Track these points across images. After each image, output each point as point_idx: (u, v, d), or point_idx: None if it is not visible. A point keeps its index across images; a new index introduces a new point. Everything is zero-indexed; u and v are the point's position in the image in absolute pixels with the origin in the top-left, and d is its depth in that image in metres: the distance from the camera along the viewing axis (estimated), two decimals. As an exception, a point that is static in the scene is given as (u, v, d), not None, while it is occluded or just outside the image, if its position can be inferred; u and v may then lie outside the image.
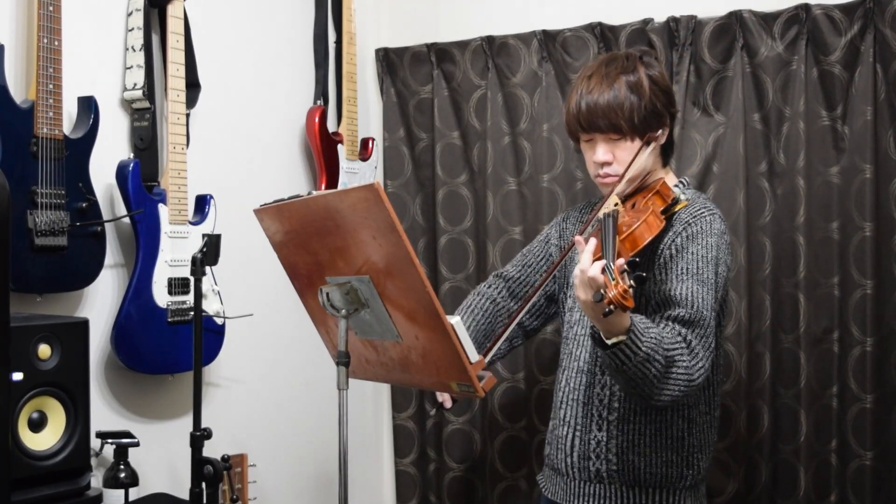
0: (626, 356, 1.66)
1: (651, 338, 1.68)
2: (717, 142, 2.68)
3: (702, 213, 1.90)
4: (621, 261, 1.60)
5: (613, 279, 1.56)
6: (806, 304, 2.56)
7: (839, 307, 2.56)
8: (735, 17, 2.62)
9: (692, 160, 2.68)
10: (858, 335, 2.51)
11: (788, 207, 2.60)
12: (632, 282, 1.57)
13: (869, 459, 2.49)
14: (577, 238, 1.72)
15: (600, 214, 1.78)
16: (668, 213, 1.85)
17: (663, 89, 1.93)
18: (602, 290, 1.56)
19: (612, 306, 1.55)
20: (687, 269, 1.84)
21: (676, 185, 1.96)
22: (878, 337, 2.50)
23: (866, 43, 2.49)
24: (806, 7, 2.54)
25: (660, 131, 1.93)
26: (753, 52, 2.62)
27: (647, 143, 1.91)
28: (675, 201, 1.85)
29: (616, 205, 1.82)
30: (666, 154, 2.02)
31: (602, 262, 1.61)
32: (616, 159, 1.91)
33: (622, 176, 1.89)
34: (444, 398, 2.04)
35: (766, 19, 2.60)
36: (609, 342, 1.67)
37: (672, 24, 2.68)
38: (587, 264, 1.64)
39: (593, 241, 1.68)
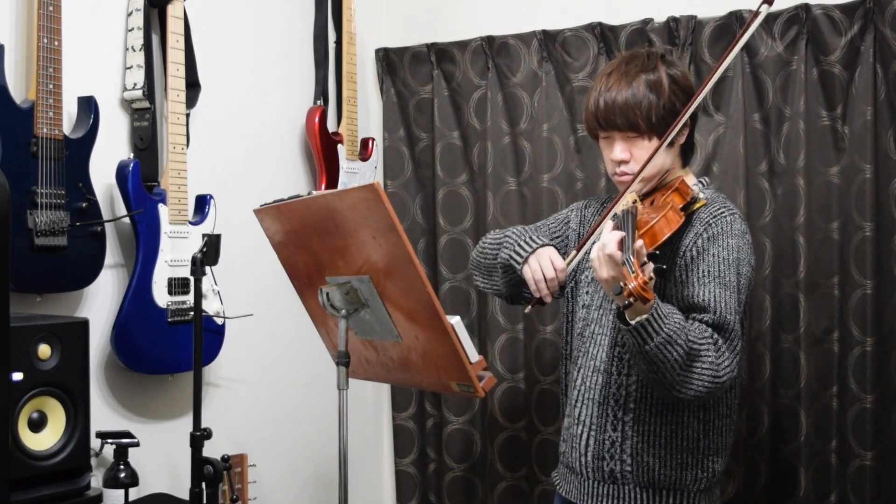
0: (648, 334, 1.67)
1: (675, 322, 1.69)
2: (718, 142, 2.68)
3: (721, 214, 1.88)
4: (642, 248, 1.61)
5: (633, 272, 1.57)
6: (806, 304, 2.56)
7: (839, 307, 2.55)
8: (735, 17, 2.62)
9: (692, 160, 2.67)
10: (858, 335, 2.51)
11: (788, 207, 2.60)
12: (651, 273, 1.58)
13: (869, 459, 2.49)
14: (607, 222, 1.72)
15: (618, 210, 1.78)
16: (688, 212, 1.84)
17: (684, 89, 1.91)
18: (622, 283, 1.58)
19: (631, 298, 1.56)
20: (708, 271, 1.83)
21: (696, 185, 1.95)
22: (878, 337, 2.50)
23: (866, 43, 2.49)
24: (806, 7, 2.54)
25: (679, 132, 1.91)
26: (753, 51, 2.63)
27: (670, 145, 1.90)
28: (694, 199, 1.84)
29: (634, 201, 1.82)
30: (686, 154, 2.01)
31: (622, 253, 1.62)
32: (633, 157, 1.90)
33: (637, 175, 1.88)
34: (545, 294, 1.94)
35: (766, 19, 2.59)
36: (632, 322, 1.68)
37: (672, 24, 2.68)
38: (608, 241, 1.65)
39: (618, 231, 1.68)
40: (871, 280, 2.49)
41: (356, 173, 2.91)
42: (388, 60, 3.15)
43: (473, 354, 1.63)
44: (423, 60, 3.09)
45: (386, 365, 1.84)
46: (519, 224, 2.93)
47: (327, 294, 1.74)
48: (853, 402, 2.53)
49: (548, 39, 2.87)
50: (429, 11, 3.16)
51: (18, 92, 2.02)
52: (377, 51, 3.17)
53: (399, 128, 3.15)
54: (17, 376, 1.80)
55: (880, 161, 2.50)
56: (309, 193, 1.77)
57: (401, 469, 3.17)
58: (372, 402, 3.19)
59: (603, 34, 2.79)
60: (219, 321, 2.39)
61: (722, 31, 2.64)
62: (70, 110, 2.12)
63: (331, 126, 2.91)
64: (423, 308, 1.61)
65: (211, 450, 1.98)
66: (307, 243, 1.81)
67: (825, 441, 2.56)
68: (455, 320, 1.62)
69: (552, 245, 2.00)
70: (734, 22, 2.62)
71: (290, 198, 1.82)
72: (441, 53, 3.05)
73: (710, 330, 1.77)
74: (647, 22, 2.72)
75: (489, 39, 2.95)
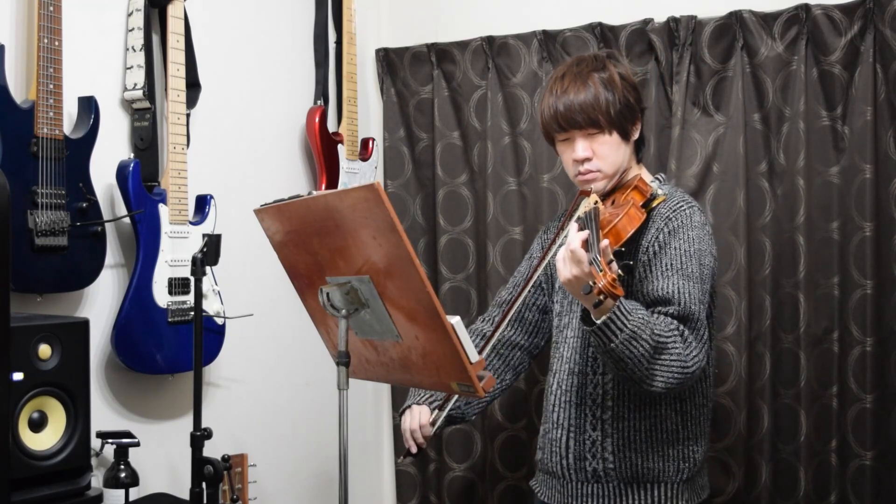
0: (612, 332, 1.70)
1: (639, 317, 1.72)
2: (718, 142, 2.68)
3: (680, 207, 1.94)
4: (607, 248, 1.64)
5: (601, 270, 1.59)
6: (806, 304, 2.56)
7: (839, 307, 2.56)
8: (735, 17, 2.62)
9: (692, 160, 2.68)
10: (858, 335, 2.51)
11: (788, 207, 2.60)
12: (619, 271, 1.62)
13: (869, 459, 2.49)
14: (572, 224, 1.76)
15: (581, 213, 1.81)
16: (649, 208, 1.90)
17: (633, 85, 2.00)
18: (591, 282, 1.60)
19: (601, 296, 1.59)
20: (671, 264, 1.87)
21: (653, 181, 2.00)
22: (878, 337, 2.50)
23: (866, 43, 2.49)
24: (806, 7, 2.54)
25: (634, 126, 2.00)
26: (753, 52, 2.63)
27: (625, 139, 1.97)
28: (654, 196, 1.90)
29: (596, 202, 1.85)
30: (638, 150, 2.08)
31: (588, 253, 1.64)
32: (596, 154, 1.96)
33: (607, 174, 1.96)
34: (410, 445, 2.09)
35: (766, 19, 2.60)
36: (598, 321, 1.71)
37: (672, 25, 2.68)
38: (573, 241, 1.67)
39: (582, 231, 1.71)
40: (871, 280, 2.49)
41: (356, 173, 2.91)
42: (389, 60, 3.15)
43: (473, 354, 1.63)
44: (424, 60, 3.09)
45: (386, 365, 1.84)
46: (519, 224, 2.94)
47: (327, 294, 1.74)
48: (853, 402, 2.53)
49: (548, 39, 2.87)
50: (429, 11, 3.16)
51: (19, 92, 2.02)
52: (377, 51, 3.17)
53: (399, 128, 3.15)
54: (18, 376, 1.80)
55: (880, 161, 2.50)
56: (309, 193, 1.76)
57: (401, 469, 3.17)
58: (372, 402, 3.19)
59: (603, 34, 2.78)
60: (219, 321, 2.39)
61: (722, 31, 2.64)
62: (70, 110, 2.12)
63: (331, 126, 2.91)
64: (424, 308, 1.61)
65: (211, 450, 1.98)
66: (307, 243, 1.81)
67: (825, 441, 2.56)
68: (455, 320, 1.62)
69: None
70: (734, 22, 2.62)
71: (290, 198, 1.81)
72: (441, 53, 3.05)
73: (675, 322, 1.80)
74: (647, 22, 2.72)
75: (489, 40, 2.95)
